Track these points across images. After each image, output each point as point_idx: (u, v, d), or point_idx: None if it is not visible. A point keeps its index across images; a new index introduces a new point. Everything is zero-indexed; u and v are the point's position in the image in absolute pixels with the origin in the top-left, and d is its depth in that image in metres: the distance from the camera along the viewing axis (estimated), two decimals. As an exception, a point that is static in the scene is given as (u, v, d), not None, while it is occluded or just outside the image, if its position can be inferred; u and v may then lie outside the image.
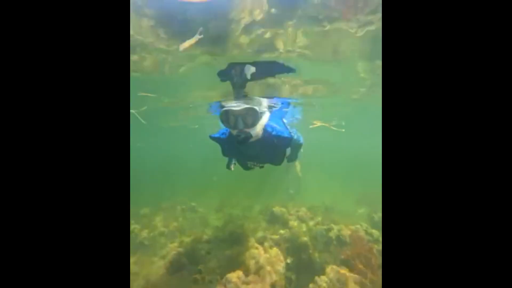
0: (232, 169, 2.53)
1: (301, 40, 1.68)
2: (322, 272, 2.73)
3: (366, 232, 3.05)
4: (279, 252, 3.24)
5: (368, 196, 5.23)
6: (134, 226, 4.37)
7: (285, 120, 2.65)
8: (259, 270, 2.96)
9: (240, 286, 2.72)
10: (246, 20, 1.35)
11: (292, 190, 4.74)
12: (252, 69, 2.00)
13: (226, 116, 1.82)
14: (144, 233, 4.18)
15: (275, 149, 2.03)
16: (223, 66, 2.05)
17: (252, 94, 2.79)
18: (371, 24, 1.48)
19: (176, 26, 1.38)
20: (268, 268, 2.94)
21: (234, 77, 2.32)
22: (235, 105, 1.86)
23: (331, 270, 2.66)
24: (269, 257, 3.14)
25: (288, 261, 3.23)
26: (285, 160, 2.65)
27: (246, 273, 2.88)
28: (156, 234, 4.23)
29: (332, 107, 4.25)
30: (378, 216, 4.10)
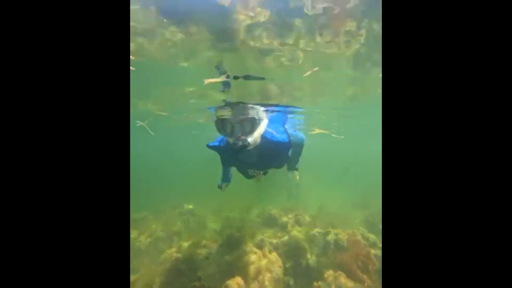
0: (223, 189, 2.32)
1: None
2: (320, 276, 2.78)
3: (363, 237, 3.11)
4: (278, 257, 3.28)
5: (365, 200, 5.32)
6: (131, 232, 4.33)
7: (286, 127, 2.57)
8: (258, 275, 2.98)
9: (240, 293, 2.74)
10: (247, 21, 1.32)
11: (290, 196, 4.77)
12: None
13: (222, 124, 1.74)
14: (142, 238, 4.15)
15: (274, 155, 1.95)
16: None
17: (249, 100, 2.76)
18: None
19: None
20: (268, 274, 2.97)
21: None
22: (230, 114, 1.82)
23: (329, 275, 2.70)
24: (268, 262, 3.16)
25: (287, 265, 3.27)
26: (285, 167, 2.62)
27: (246, 279, 2.90)
28: (154, 239, 4.20)
29: (330, 111, 4.29)
30: (374, 219, 4.18)
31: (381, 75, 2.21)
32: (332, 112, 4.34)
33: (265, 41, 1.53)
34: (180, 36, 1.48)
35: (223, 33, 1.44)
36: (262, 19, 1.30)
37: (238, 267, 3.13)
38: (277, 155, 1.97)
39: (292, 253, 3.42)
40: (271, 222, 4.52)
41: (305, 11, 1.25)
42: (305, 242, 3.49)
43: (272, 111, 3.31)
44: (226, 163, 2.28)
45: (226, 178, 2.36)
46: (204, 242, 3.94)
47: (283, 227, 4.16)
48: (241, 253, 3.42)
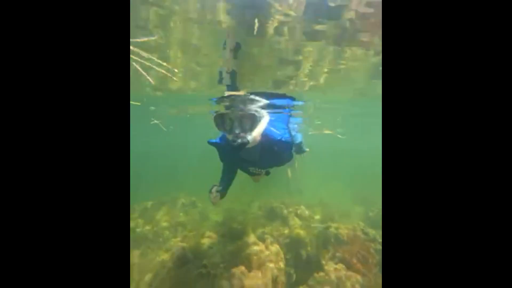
0: (214, 199, 2.04)
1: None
2: (320, 268, 2.92)
3: (363, 232, 3.25)
4: (279, 249, 3.42)
5: (365, 195, 5.48)
6: (136, 222, 4.46)
7: (290, 126, 2.56)
8: (261, 266, 3.13)
9: (244, 281, 2.89)
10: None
11: (294, 188, 4.89)
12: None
13: (222, 120, 1.68)
14: (148, 227, 4.28)
15: (276, 154, 1.91)
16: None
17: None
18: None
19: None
20: (270, 265, 3.11)
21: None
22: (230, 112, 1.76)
23: (329, 267, 2.85)
24: (270, 254, 3.31)
25: (287, 257, 3.42)
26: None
27: (249, 268, 3.04)
28: (159, 228, 4.33)
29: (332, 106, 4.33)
30: (374, 214, 4.33)
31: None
32: (337, 107, 4.38)
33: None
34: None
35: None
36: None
37: (241, 257, 3.27)
38: (279, 153, 1.93)
39: (292, 245, 3.57)
40: (272, 215, 4.65)
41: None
42: (305, 235, 3.63)
43: (274, 107, 3.28)
44: (226, 162, 2.19)
45: (224, 183, 2.16)
46: (207, 233, 4.08)
47: (284, 220, 4.30)
48: (244, 244, 3.57)
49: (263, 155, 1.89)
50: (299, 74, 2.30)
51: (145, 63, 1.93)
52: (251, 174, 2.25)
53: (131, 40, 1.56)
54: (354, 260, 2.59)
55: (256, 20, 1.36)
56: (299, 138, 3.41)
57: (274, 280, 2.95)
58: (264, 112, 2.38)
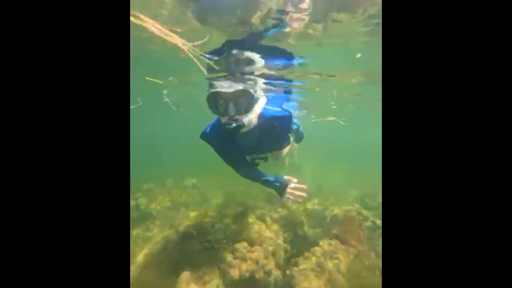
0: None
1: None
2: (316, 243, 3.19)
3: (358, 213, 3.52)
4: (278, 228, 3.67)
5: (361, 181, 5.78)
6: (141, 200, 4.62)
7: (284, 107, 2.26)
8: (262, 242, 3.37)
9: (246, 254, 3.13)
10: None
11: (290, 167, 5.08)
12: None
13: (215, 100, 1.56)
14: (152, 206, 4.45)
15: (276, 134, 1.78)
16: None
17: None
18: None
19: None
20: (271, 241, 3.36)
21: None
22: (226, 86, 1.67)
23: (324, 242, 3.11)
24: (270, 232, 3.55)
25: (285, 235, 3.68)
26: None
27: (251, 244, 3.28)
28: (163, 207, 4.51)
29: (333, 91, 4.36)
30: (369, 199, 4.63)
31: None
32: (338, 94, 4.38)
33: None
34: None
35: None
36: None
37: (243, 235, 3.50)
38: (279, 132, 1.80)
39: (290, 226, 3.82)
40: (271, 198, 4.89)
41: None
42: (303, 216, 3.89)
43: (272, 85, 3.10)
44: (224, 153, 2.00)
45: (254, 171, 2.06)
46: (209, 213, 4.28)
47: (283, 203, 4.54)
48: (245, 224, 3.80)
49: (262, 137, 1.78)
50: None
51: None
52: (244, 164, 2.05)
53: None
54: (348, 237, 2.85)
55: None
56: (297, 122, 3.34)
57: (274, 254, 3.21)
58: (260, 92, 2.27)
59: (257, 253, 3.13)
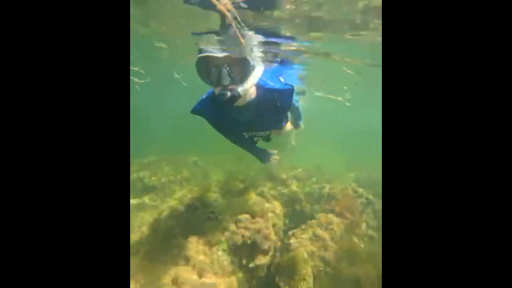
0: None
1: None
2: (313, 218, 3.44)
3: (353, 190, 3.77)
4: (279, 204, 3.90)
5: (357, 162, 6.05)
6: (143, 173, 4.73)
7: (282, 80, 2.05)
8: (263, 215, 3.60)
9: (248, 225, 3.35)
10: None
11: (289, 156, 5.26)
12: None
13: (206, 67, 1.37)
14: (155, 178, 4.58)
15: (275, 109, 1.61)
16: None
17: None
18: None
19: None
20: (271, 214, 3.59)
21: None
22: (218, 48, 1.54)
23: (320, 216, 3.37)
24: (271, 206, 3.78)
25: (285, 210, 3.92)
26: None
27: (253, 216, 3.50)
28: (165, 181, 4.65)
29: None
30: (364, 178, 4.90)
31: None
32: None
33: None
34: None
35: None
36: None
37: (245, 208, 3.72)
38: (279, 108, 1.63)
39: (289, 202, 4.06)
40: (270, 176, 5.09)
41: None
42: (301, 193, 4.12)
43: (273, 54, 2.80)
44: (219, 128, 1.87)
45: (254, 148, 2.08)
46: (212, 188, 4.46)
47: (282, 182, 4.76)
48: (247, 198, 4.00)
49: (260, 112, 1.60)
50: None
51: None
52: (243, 141, 1.98)
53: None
54: (343, 211, 3.09)
55: None
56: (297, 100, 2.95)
57: (274, 225, 3.45)
58: (257, 60, 2.01)
59: (259, 224, 3.36)
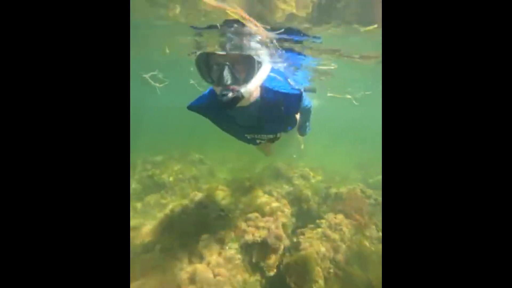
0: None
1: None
2: (321, 218, 3.50)
3: (361, 191, 3.81)
4: (286, 203, 3.96)
5: (365, 163, 6.07)
6: (153, 171, 4.79)
7: (292, 82, 1.86)
8: (272, 214, 3.67)
9: (258, 223, 3.42)
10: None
11: (295, 155, 5.29)
12: None
13: (207, 64, 1.27)
14: (164, 176, 4.64)
15: (279, 113, 1.47)
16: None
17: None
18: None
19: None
20: (280, 213, 3.65)
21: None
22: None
23: (329, 216, 3.43)
24: (279, 205, 3.84)
25: (292, 209, 3.98)
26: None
27: (262, 215, 3.57)
28: (174, 179, 4.71)
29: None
30: (372, 180, 4.95)
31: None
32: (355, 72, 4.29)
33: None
34: None
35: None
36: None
37: (254, 206, 3.78)
38: (285, 113, 1.49)
39: (296, 201, 4.12)
40: (277, 175, 5.14)
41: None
42: (308, 192, 4.18)
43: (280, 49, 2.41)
44: (218, 125, 1.76)
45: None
46: (220, 187, 4.52)
47: (289, 180, 4.81)
48: (255, 197, 4.06)
49: (264, 115, 1.49)
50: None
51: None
52: (249, 142, 1.85)
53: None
54: (352, 212, 3.15)
55: None
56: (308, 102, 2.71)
57: (283, 225, 3.52)
58: (264, 57, 1.76)
59: (268, 222, 3.43)
